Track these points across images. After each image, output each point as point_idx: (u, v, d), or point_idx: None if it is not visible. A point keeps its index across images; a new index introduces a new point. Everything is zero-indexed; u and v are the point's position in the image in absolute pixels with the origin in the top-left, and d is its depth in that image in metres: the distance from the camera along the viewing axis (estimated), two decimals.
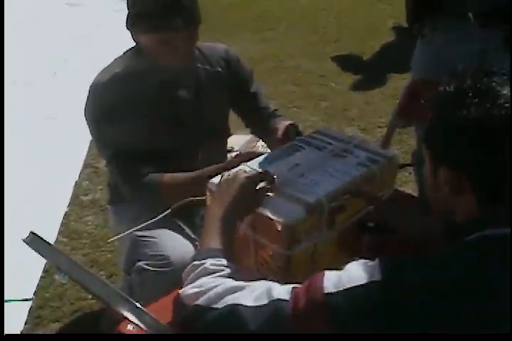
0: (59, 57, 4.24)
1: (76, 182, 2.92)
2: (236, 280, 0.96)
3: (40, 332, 2.03)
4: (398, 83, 3.70)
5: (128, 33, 1.55)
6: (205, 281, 0.95)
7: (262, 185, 1.15)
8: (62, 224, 2.60)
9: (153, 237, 1.56)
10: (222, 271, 0.98)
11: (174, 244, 1.56)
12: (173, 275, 1.41)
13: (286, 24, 5.03)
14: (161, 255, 1.52)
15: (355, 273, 0.84)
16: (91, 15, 4.97)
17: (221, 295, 0.91)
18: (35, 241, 1.00)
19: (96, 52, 4.02)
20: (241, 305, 0.88)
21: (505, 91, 0.83)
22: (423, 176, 0.98)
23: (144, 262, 1.54)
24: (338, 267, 0.88)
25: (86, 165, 3.04)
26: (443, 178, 0.89)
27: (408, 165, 1.66)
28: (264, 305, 0.87)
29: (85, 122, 1.57)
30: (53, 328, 2.07)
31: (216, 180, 1.22)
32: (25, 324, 2.07)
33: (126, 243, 1.62)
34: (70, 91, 3.39)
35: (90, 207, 2.73)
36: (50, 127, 3.36)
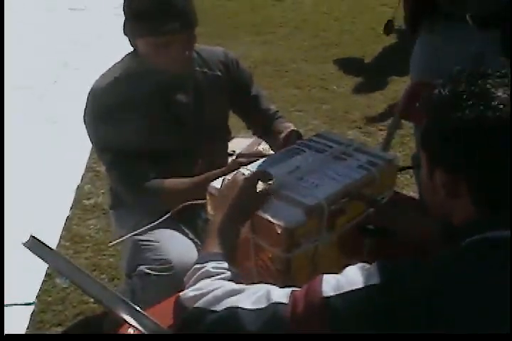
0: (60, 62, 4.25)
1: (78, 186, 2.93)
2: (237, 283, 0.96)
3: None
4: (399, 86, 3.71)
5: None
6: (205, 284, 0.96)
7: (260, 185, 1.15)
8: (64, 228, 2.61)
9: (155, 241, 1.57)
10: (223, 273, 0.98)
11: (176, 247, 1.56)
12: (175, 279, 1.41)
13: (288, 28, 5.04)
14: (162, 259, 1.52)
15: (354, 276, 0.84)
16: (93, 20, 4.99)
17: (220, 298, 0.91)
18: (35, 244, 1.00)
19: (97, 56, 4.04)
20: (240, 308, 0.88)
21: (500, 93, 0.83)
22: (421, 179, 0.99)
23: (146, 266, 1.54)
24: (339, 270, 0.88)
25: (88, 169, 3.05)
26: (439, 181, 0.89)
27: (408, 167, 1.66)
28: (263, 308, 0.87)
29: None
30: (55, 332, 2.07)
31: (217, 183, 1.22)
32: (28, 328, 2.08)
33: (128, 247, 1.62)
34: (72, 96, 3.39)
35: (92, 211, 2.74)
36: (52, 131, 3.37)
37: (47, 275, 2.30)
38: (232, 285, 0.94)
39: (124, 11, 1.51)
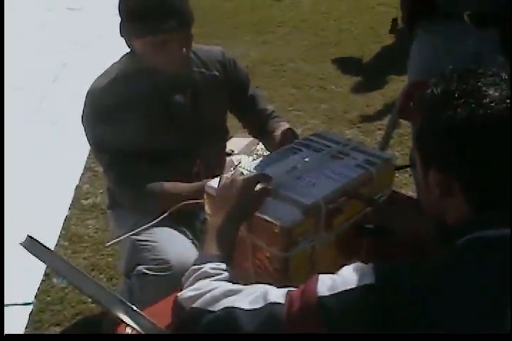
0: (59, 62, 4.25)
1: (77, 185, 2.93)
2: (234, 284, 0.96)
3: None
4: (398, 85, 3.70)
5: None
6: (203, 284, 0.96)
7: (259, 186, 1.15)
8: (63, 228, 2.61)
9: (154, 241, 1.57)
10: (221, 274, 0.98)
11: (174, 247, 1.56)
12: (173, 279, 1.41)
13: (286, 28, 5.04)
14: (161, 259, 1.52)
15: (350, 276, 0.84)
16: (91, 20, 4.99)
17: (218, 298, 0.91)
18: (32, 244, 1.00)
19: (96, 56, 4.03)
20: (237, 308, 0.88)
21: (491, 91, 0.83)
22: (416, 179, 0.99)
23: (145, 266, 1.54)
24: (337, 270, 0.88)
25: (87, 169, 3.05)
26: (433, 180, 0.89)
27: (406, 166, 1.66)
28: (260, 308, 0.87)
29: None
30: (54, 332, 2.07)
31: (214, 183, 1.22)
32: (26, 328, 2.07)
33: (126, 247, 1.62)
34: (71, 96, 3.39)
35: (91, 211, 2.74)
36: (51, 131, 3.37)
37: (45, 275, 2.30)
38: (230, 286, 0.94)
39: (119, 11, 1.51)
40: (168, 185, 1.55)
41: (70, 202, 2.79)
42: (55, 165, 3.02)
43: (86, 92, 1.56)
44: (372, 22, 4.99)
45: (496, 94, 0.83)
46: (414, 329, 0.78)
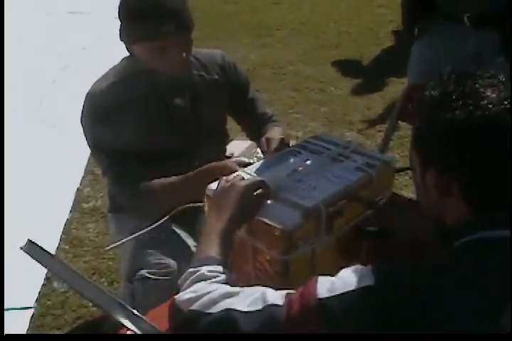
0: (59, 64, 4.25)
1: (77, 189, 2.93)
2: (232, 286, 0.96)
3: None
4: (398, 87, 3.70)
5: None
6: (201, 286, 0.95)
7: (259, 191, 1.15)
8: (63, 232, 2.61)
9: (156, 245, 1.56)
10: (218, 277, 0.98)
11: (177, 251, 1.56)
12: (175, 283, 1.41)
13: (286, 30, 5.04)
14: (163, 263, 1.52)
15: (349, 278, 0.84)
16: (92, 23, 4.99)
17: (216, 300, 0.91)
18: (32, 248, 1.01)
19: (96, 59, 4.04)
20: (235, 310, 0.88)
21: (489, 93, 0.84)
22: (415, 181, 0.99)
23: (147, 270, 1.54)
24: (337, 272, 0.88)
25: (87, 172, 3.05)
26: (431, 182, 0.90)
27: (406, 168, 1.66)
28: (258, 310, 0.87)
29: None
30: None
31: (214, 186, 1.22)
32: (27, 332, 2.07)
33: (127, 251, 1.62)
34: (71, 98, 3.39)
35: (92, 215, 2.74)
36: (52, 134, 3.37)
37: (46, 279, 2.30)
38: (228, 288, 0.94)
39: (119, 16, 1.51)
40: (157, 182, 1.54)
41: (71, 205, 2.79)
42: (55, 167, 3.02)
43: (85, 94, 1.56)
44: (372, 24, 5.00)
45: (494, 95, 0.83)
46: (414, 330, 0.78)
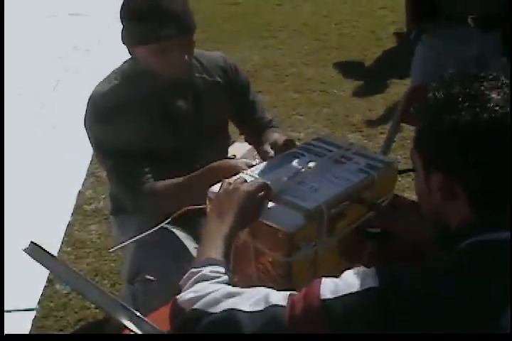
0: (60, 67, 4.26)
1: (79, 191, 2.93)
2: (234, 286, 0.96)
3: None
4: (400, 89, 3.70)
5: None
6: (202, 286, 0.95)
7: (261, 194, 1.14)
8: (65, 234, 2.61)
9: (157, 247, 1.56)
10: (220, 277, 0.97)
11: (177, 253, 1.56)
12: (176, 285, 1.41)
13: (288, 32, 5.04)
14: (164, 265, 1.52)
15: (352, 280, 0.84)
16: (93, 25, 5.00)
17: (218, 300, 0.91)
18: (35, 250, 1.01)
19: (97, 62, 4.05)
20: (238, 310, 0.88)
21: (494, 95, 0.84)
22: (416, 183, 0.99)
23: (148, 272, 1.54)
24: (340, 274, 0.88)
25: (89, 175, 3.05)
26: (435, 184, 0.90)
27: (409, 170, 1.66)
28: (261, 310, 0.87)
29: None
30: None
31: (216, 188, 1.22)
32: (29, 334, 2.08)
33: (129, 253, 1.62)
34: (72, 101, 3.40)
35: (94, 216, 2.74)
36: (53, 136, 3.37)
37: (48, 281, 2.30)
38: (230, 288, 0.94)
39: (121, 18, 1.51)
40: (160, 183, 1.54)
41: (73, 207, 2.79)
42: (57, 170, 3.02)
43: (88, 97, 1.57)
44: (374, 26, 4.99)
45: (499, 97, 0.84)
46: (415, 331, 0.79)
